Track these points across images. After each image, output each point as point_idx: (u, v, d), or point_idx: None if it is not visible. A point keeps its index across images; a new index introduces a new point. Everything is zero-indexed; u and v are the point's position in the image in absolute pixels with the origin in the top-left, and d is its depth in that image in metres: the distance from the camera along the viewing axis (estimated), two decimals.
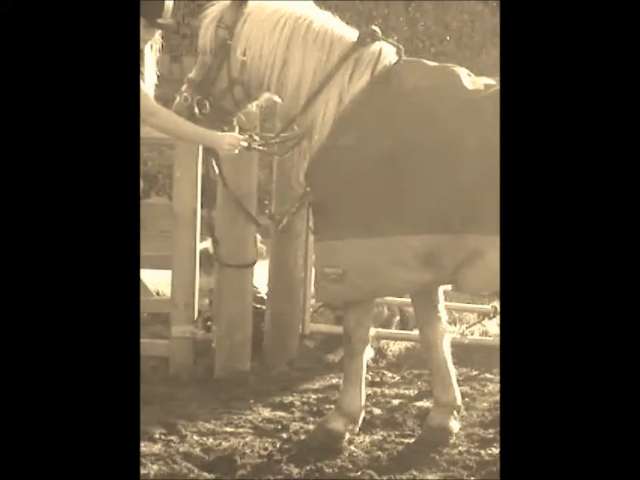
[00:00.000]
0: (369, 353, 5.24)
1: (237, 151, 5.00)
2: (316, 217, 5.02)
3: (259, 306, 6.93)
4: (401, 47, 4.92)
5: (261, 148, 5.38)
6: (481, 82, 4.79)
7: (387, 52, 4.90)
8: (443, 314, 5.27)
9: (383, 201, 4.70)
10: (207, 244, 6.65)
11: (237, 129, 5.18)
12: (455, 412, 5.21)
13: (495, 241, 4.45)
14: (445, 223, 4.62)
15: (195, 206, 6.37)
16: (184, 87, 5.04)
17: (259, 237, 6.84)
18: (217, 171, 5.61)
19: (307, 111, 4.89)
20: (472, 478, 4.54)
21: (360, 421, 5.14)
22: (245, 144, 5.02)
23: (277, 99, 5.12)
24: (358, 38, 4.87)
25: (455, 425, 5.16)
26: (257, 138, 5.31)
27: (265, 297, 7.06)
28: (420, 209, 4.65)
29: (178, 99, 5.04)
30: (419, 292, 5.12)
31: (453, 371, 5.27)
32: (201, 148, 6.12)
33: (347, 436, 5.02)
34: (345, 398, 5.11)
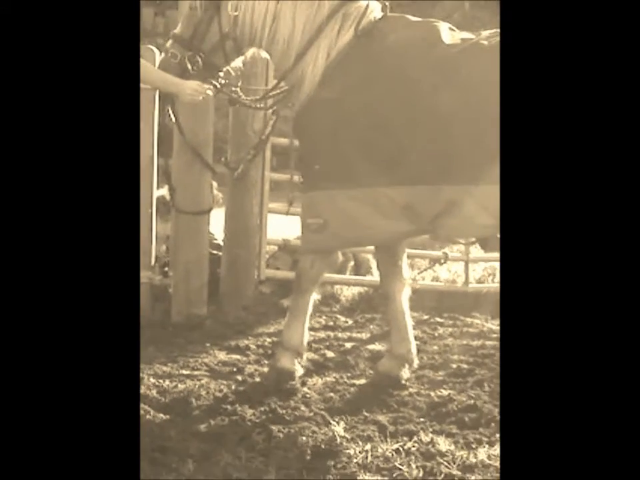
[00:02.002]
0: (314, 295, 5.33)
1: (201, 98, 5.04)
2: (302, 169, 5.09)
3: (215, 252, 7.01)
4: (387, 3, 4.98)
5: (249, 103, 5.46)
6: (459, 36, 4.85)
7: (373, 7, 4.96)
8: (405, 267, 5.37)
9: (363, 153, 4.77)
10: (164, 191, 6.71)
11: (224, 84, 5.20)
12: (407, 364, 5.33)
13: (470, 190, 4.60)
14: (422, 174, 4.70)
15: (151, 154, 6.38)
16: (169, 43, 5.08)
17: (215, 184, 6.90)
18: (173, 119, 5.65)
19: (297, 65, 4.96)
20: (421, 419, 4.65)
21: (304, 356, 5.27)
22: (210, 92, 5.07)
23: (264, 54, 5.19)
24: None
25: (404, 374, 5.29)
26: (241, 94, 5.40)
27: (221, 243, 7.14)
28: (398, 161, 4.73)
29: (163, 55, 5.09)
30: (394, 242, 5.22)
31: (410, 324, 5.38)
32: (157, 96, 6.15)
33: (298, 371, 5.18)
34: (287, 332, 5.24)
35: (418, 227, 4.86)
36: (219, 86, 5.16)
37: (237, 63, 5.25)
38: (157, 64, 5.05)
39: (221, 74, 5.18)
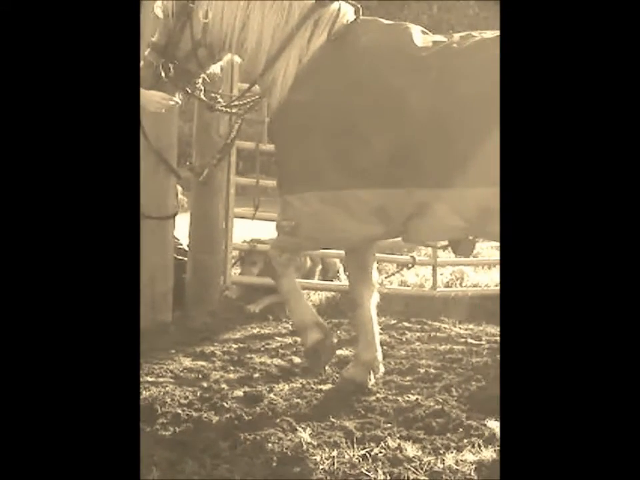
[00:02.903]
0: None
1: (164, 110, 5.10)
2: (277, 172, 5.08)
3: (180, 257, 6.97)
4: (359, 6, 4.97)
5: (224, 109, 5.46)
6: (431, 39, 4.83)
7: (345, 11, 4.95)
8: (374, 273, 5.36)
9: (334, 156, 4.75)
10: None
11: (202, 91, 5.23)
12: (372, 371, 5.29)
13: (441, 193, 4.60)
14: (394, 177, 4.68)
15: None
16: (147, 52, 5.09)
17: (179, 188, 6.86)
18: None
19: (268, 72, 4.95)
20: (389, 424, 4.61)
21: (324, 323, 5.24)
22: (173, 103, 5.08)
23: (237, 59, 5.20)
24: None
25: (370, 380, 5.25)
26: (220, 100, 5.42)
27: (187, 249, 7.10)
28: (370, 164, 4.70)
29: (142, 62, 5.07)
30: (359, 247, 5.22)
31: (377, 330, 5.35)
32: None
33: (330, 337, 5.19)
34: (295, 315, 5.20)
35: (390, 229, 4.84)
36: (189, 92, 5.17)
37: (215, 69, 5.27)
38: None
39: (199, 81, 5.20)
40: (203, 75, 5.21)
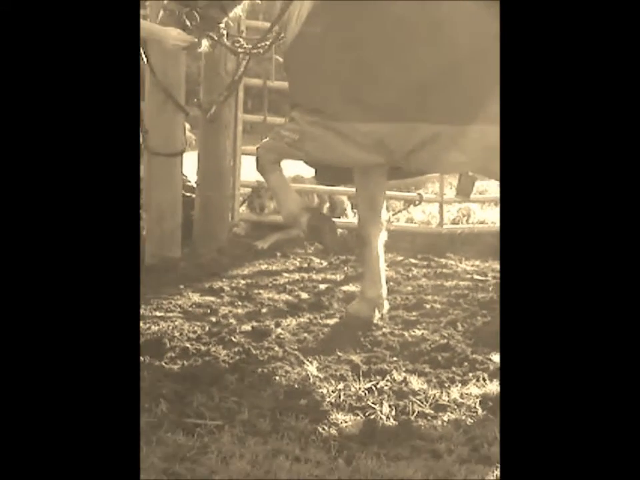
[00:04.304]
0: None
1: (183, 45, 5.06)
2: (290, 97, 5.10)
3: (188, 194, 7.00)
4: None
5: (248, 52, 5.47)
6: None
7: None
8: (383, 212, 5.39)
9: (342, 87, 4.75)
10: None
11: (224, 35, 5.22)
12: (377, 308, 5.34)
13: (446, 129, 4.60)
14: (398, 111, 4.68)
15: None
16: (166, 0, 5.07)
17: (187, 125, 6.87)
18: (145, 60, 5.62)
19: (285, 11, 4.97)
20: (394, 358, 4.66)
21: (314, 206, 5.21)
22: (190, 41, 5.05)
23: None
24: None
25: (374, 316, 5.30)
26: (243, 43, 5.43)
27: (195, 186, 7.12)
28: (375, 98, 4.71)
29: (162, 12, 5.08)
30: (364, 185, 5.28)
31: (383, 268, 5.40)
32: None
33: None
34: (284, 209, 5.14)
35: (390, 160, 4.86)
36: (216, 38, 5.16)
37: (237, 11, 5.24)
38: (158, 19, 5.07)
39: (222, 25, 5.17)
40: (226, 19, 5.19)
